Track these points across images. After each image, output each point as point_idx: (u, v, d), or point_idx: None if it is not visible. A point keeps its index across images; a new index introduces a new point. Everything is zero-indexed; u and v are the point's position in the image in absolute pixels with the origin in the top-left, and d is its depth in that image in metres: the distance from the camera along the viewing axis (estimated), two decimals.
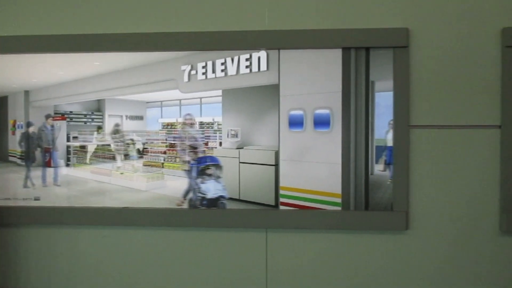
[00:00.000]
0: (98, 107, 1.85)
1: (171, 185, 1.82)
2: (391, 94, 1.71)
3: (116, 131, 1.84)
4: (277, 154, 1.76)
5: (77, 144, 1.87)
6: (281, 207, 1.76)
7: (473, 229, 1.72)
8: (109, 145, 1.85)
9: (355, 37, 1.71)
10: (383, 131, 1.72)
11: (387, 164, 1.72)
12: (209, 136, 1.80)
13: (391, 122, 1.71)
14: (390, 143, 1.71)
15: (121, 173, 1.84)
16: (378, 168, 1.73)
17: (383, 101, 1.72)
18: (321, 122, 1.74)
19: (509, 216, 1.67)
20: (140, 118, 1.84)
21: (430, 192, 1.72)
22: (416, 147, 1.72)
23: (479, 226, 1.72)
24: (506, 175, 1.67)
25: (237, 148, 1.79)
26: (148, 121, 1.84)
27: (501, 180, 1.68)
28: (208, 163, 1.79)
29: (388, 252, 1.75)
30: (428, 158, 1.72)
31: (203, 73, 1.79)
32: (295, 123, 1.75)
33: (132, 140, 1.84)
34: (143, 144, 1.84)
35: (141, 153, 1.84)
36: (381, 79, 1.71)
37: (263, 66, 1.76)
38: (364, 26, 1.72)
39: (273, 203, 1.77)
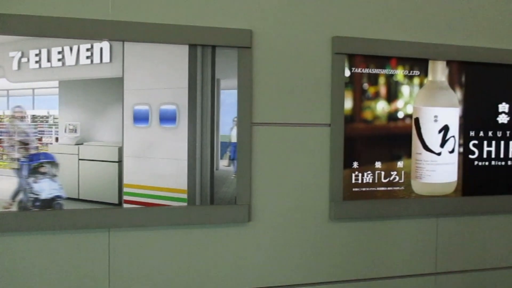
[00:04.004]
0: None
1: None
2: (235, 92, 1.78)
3: None
4: (120, 150, 1.69)
5: None
6: (125, 205, 1.70)
7: (307, 218, 1.89)
8: None
9: (201, 35, 1.73)
10: (228, 128, 1.78)
11: (232, 159, 1.79)
12: (44, 131, 1.64)
13: (235, 119, 1.78)
14: (234, 139, 1.78)
15: None
16: (223, 164, 1.79)
17: (228, 99, 1.78)
18: (167, 118, 1.73)
19: (336, 205, 1.88)
20: None
21: (270, 185, 1.84)
22: (257, 143, 1.82)
23: (312, 215, 1.90)
24: (333, 168, 1.88)
25: (76, 144, 1.67)
26: None
27: (330, 172, 1.89)
28: (41, 161, 1.64)
29: (232, 244, 1.82)
30: (268, 153, 1.84)
31: (37, 62, 1.62)
32: (140, 118, 1.71)
33: None
34: None
35: None
36: (226, 77, 1.77)
37: (106, 58, 1.67)
38: (211, 25, 1.76)
39: (116, 201, 1.70)
